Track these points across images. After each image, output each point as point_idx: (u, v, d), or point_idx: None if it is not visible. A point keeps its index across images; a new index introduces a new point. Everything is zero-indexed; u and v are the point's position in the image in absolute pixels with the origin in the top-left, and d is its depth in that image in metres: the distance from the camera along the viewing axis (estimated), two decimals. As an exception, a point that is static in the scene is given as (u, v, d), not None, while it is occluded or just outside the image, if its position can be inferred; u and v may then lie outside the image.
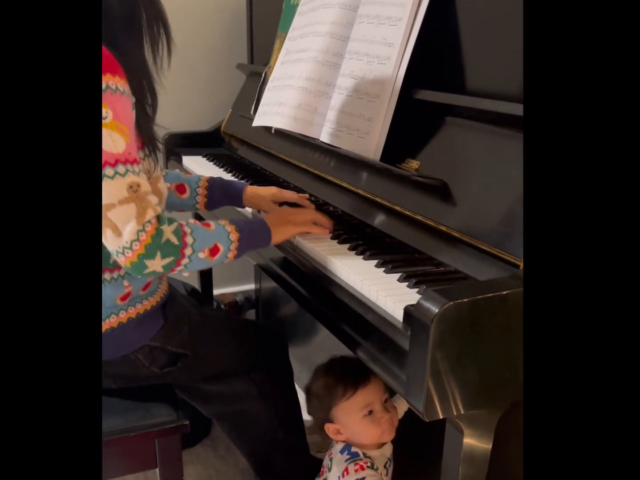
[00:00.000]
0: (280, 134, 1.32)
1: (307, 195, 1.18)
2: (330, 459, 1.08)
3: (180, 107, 1.78)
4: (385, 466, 1.06)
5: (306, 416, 1.39)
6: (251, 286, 2.07)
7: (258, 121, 1.23)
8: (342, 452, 1.05)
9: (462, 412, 0.75)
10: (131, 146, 0.81)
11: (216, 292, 1.95)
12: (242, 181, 1.24)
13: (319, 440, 1.46)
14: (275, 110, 1.18)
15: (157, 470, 1.00)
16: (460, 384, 0.72)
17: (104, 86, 0.77)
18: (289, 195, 1.16)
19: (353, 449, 1.05)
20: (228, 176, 1.43)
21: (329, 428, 1.06)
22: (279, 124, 1.17)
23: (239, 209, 1.22)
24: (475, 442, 0.82)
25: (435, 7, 0.96)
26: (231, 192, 1.18)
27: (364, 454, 1.04)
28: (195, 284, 1.70)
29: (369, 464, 1.02)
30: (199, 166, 1.53)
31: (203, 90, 1.82)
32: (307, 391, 1.13)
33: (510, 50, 0.89)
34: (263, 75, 1.47)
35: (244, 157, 1.55)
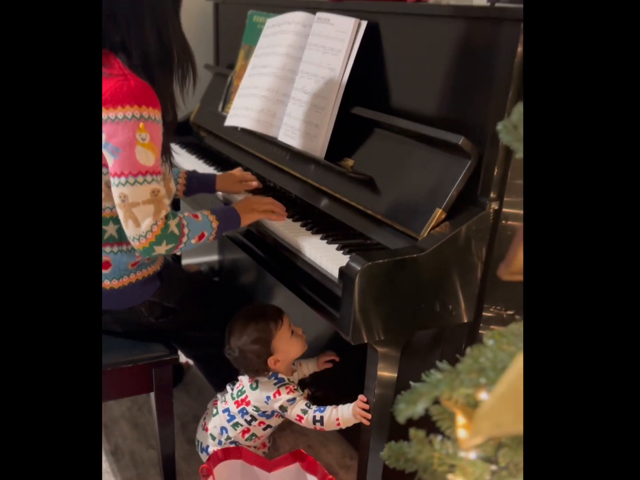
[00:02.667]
0: (244, 129, 1.61)
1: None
2: (256, 381, 1.29)
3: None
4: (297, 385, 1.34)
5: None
6: (215, 257, 2.36)
7: (229, 122, 1.51)
8: (269, 378, 1.28)
9: (378, 339, 1.08)
10: (158, 161, 1.08)
11: (184, 262, 2.23)
12: (212, 173, 1.53)
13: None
14: (243, 113, 1.47)
15: (152, 394, 1.30)
16: (376, 319, 1.05)
17: (146, 115, 1.04)
18: (250, 176, 1.49)
19: (279, 376, 1.28)
20: (200, 162, 1.71)
21: (272, 360, 1.25)
22: (245, 124, 1.46)
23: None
24: (386, 373, 1.15)
25: (366, 45, 1.27)
26: (205, 182, 1.47)
27: (288, 379, 1.29)
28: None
29: (295, 387, 1.29)
30: (173, 153, 1.79)
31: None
32: (240, 350, 1.26)
33: (423, 81, 1.21)
34: (229, 79, 1.74)
35: (211, 146, 1.82)
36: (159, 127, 1.08)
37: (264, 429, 1.33)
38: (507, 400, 0.45)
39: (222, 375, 1.56)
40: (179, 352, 1.43)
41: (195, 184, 1.47)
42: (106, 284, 1.21)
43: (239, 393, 1.32)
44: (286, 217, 1.31)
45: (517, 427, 0.45)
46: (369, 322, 1.05)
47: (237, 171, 1.51)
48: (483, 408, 0.49)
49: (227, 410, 1.32)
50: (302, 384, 1.42)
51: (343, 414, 1.22)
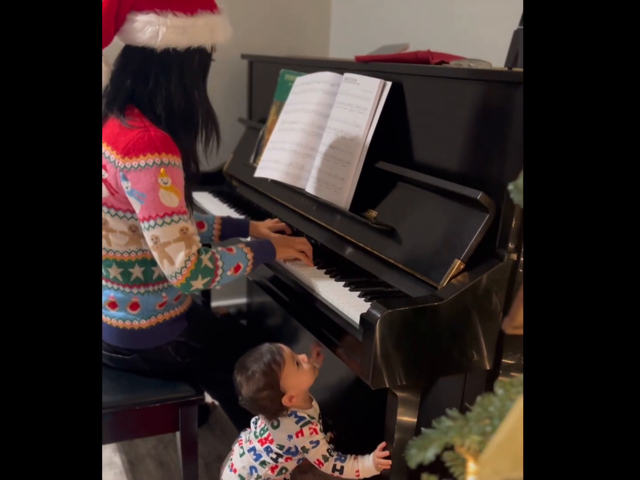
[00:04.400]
0: (274, 181, 1.69)
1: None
2: (277, 419, 1.27)
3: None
4: (320, 419, 1.34)
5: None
6: (243, 300, 2.42)
7: (259, 173, 1.60)
8: (289, 415, 1.26)
9: (399, 384, 1.11)
10: (182, 202, 1.17)
11: (213, 304, 2.29)
12: (245, 219, 1.63)
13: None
14: (273, 166, 1.55)
15: (177, 433, 1.34)
16: (396, 365, 1.09)
17: (166, 161, 1.13)
18: (281, 226, 1.57)
19: (299, 413, 1.26)
20: (231, 211, 1.79)
21: (286, 399, 1.23)
22: (275, 176, 1.54)
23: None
24: (405, 418, 1.18)
25: (390, 104, 1.35)
26: (239, 228, 1.56)
27: (309, 416, 1.27)
28: (198, 296, 2.04)
29: (319, 427, 1.28)
30: (207, 201, 1.89)
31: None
32: (253, 399, 1.25)
33: (444, 138, 1.28)
34: (261, 133, 1.84)
35: (242, 195, 1.91)
36: (180, 172, 1.17)
37: (297, 460, 1.33)
38: (504, 447, 0.49)
39: (246, 417, 1.60)
40: (205, 393, 1.48)
41: (229, 230, 1.56)
42: (135, 324, 1.28)
43: (262, 431, 1.32)
44: (312, 264, 1.37)
45: (515, 473, 0.48)
46: (389, 368, 1.08)
47: (269, 221, 1.61)
48: (484, 455, 0.52)
49: (252, 449, 1.32)
50: (325, 426, 1.42)
51: (363, 465, 1.23)
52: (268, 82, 1.93)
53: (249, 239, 1.58)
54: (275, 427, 1.29)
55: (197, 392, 1.32)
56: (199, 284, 1.17)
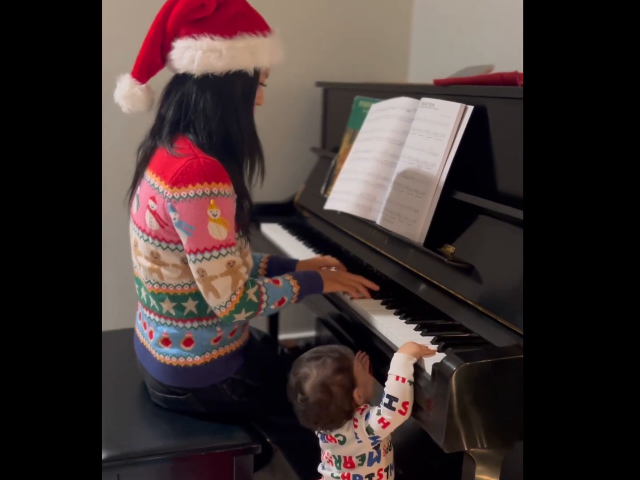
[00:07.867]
0: (345, 212, 1.60)
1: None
2: (341, 437, 1.11)
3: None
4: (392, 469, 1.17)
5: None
6: (312, 333, 2.33)
7: (328, 205, 1.52)
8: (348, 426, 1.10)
9: (474, 448, 0.96)
10: (231, 234, 1.11)
11: (281, 337, 2.22)
12: (293, 259, 1.48)
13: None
14: (343, 197, 1.46)
15: (232, 482, 1.25)
16: (473, 425, 0.94)
17: (216, 191, 1.07)
18: (333, 261, 1.44)
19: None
20: (300, 244, 1.71)
21: (356, 394, 1.09)
22: (345, 208, 1.45)
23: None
24: (485, 477, 1.02)
25: (471, 130, 1.23)
26: (286, 267, 1.41)
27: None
28: (264, 328, 1.97)
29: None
30: (276, 233, 1.83)
31: (279, 167, 2.12)
32: (324, 386, 1.09)
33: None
34: (333, 163, 1.76)
35: (313, 227, 1.83)
36: (230, 201, 1.11)
37: (386, 469, 1.14)
38: None
39: (309, 463, 1.48)
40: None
41: (276, 270, 1.42)
42: (189, 360, 1.22)
43: (338, 464, 1.14)
44: (371, 297, 1.29)
45: None
46: (467, 429, 0.94)
47: (319, 257, 1.50)
48: None
49: None
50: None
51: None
52: (343, 110, 1.86)
53: None
54: (342, 443, 1.11)
55: (253, 440, 1.22)
56: (241, 317, 1.16)
